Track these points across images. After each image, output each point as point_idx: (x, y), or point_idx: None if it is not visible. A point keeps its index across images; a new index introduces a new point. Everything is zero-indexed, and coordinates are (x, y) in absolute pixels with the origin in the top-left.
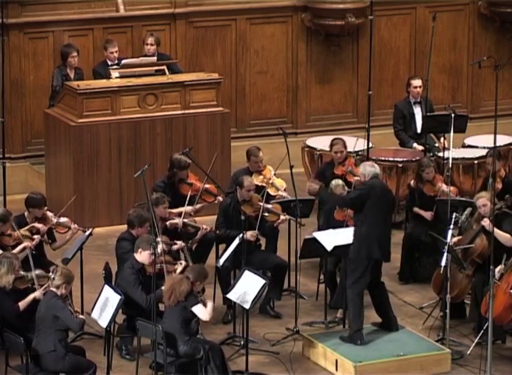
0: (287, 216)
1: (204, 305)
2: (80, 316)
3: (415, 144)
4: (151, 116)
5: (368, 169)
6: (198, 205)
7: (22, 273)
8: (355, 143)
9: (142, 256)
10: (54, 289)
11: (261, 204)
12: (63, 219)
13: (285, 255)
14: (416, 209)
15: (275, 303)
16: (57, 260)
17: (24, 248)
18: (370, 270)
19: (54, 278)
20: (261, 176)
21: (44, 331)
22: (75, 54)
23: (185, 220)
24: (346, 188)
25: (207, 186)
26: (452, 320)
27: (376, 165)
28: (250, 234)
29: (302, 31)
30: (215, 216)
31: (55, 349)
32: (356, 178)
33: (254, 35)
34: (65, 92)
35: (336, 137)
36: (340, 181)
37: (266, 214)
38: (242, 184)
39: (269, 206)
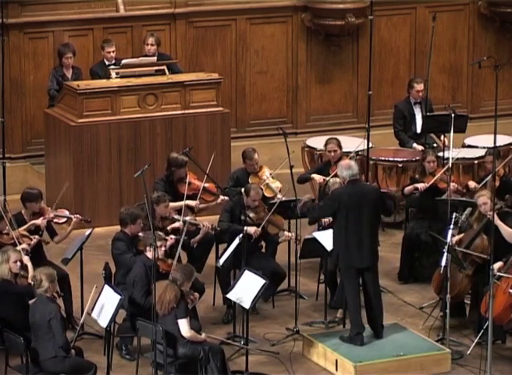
0: (289, 234)
1: (195, 331)
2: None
3: (415, 145)
4: (151, 116)
5: (345, 172)
6: (202, 205)
7: (24, 273)
8: (360, 143)
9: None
10: (43, 293)
11: (266, 215)
12: (60, 210)
13: (285, 254)
14: (407, 188)
15: (274, 303)
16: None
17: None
18: (355, 276)
19: (39, 286)
20: (257, 178)
21: (42, 337)
22: (69, 55)
23: (185, 218)
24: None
25: (206, 185)
26: (452, 320)
27: (353, 164)
28: (254, 230)
29: (302, 31)
30: (217, 216)
31: (56, 356)
32: None
33: (254, 35)
34: (65, 92)
35: (330, 136)
36: (338, 179)
37: (269, 227)
38: (248, 193)
39: (272, 218)
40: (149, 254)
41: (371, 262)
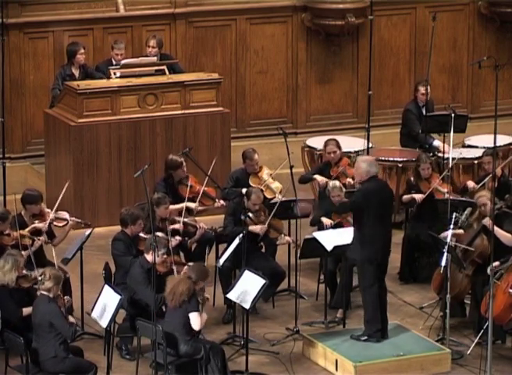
0: (288, 238)
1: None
2: (71, 319)
3: (438, 142)
4: (151, 116)
5: (368, 167)
6: (200, 208)
7: (25, 272)
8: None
9: (153, 256)
10: (45, 293)
11: (266, 218)
12: (61, 212)
13: (285, 254)
14: (405, 197)
15: (274, 303)
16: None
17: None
18: (376, 272)
19: (43, 282)
20: (257, 179)
21: (43, 337)
22: (82, 50)
23: (185, 220)
24: (343, 190)
25: (205, 189)
26: (452, 320)
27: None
28: (260, 228)
29: (302, 31)
30: (216, 217)
31: (56, 355)
32: (348, 180)
33: (254, 35)
34: (65, 92)
35: (329, 138)
36: (337, 183)
37: (269, 231)
38: (249, 197)
39: (272, 222)
40: (149, 257)
41: (389, 257)
